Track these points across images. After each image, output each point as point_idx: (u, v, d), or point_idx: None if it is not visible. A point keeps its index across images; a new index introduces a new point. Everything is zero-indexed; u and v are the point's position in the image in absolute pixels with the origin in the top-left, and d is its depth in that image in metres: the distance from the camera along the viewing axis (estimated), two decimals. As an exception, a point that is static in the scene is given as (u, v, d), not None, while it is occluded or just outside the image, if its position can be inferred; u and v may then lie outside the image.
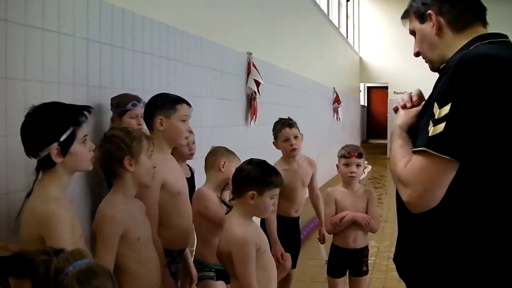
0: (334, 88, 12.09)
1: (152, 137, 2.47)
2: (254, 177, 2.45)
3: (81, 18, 3.01)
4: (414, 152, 1.58)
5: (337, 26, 13.46)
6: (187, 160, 3.60)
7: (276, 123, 3.94)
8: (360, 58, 17.98)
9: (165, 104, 2.72)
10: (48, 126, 1.92)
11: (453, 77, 1.54)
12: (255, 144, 6.04)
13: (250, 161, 2.58)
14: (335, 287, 3.65)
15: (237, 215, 2.48)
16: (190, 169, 3.66)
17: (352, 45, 16.44)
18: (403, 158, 1.63)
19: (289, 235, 3.89)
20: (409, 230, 1.77)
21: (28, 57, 2.61)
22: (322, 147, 9.92)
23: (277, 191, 2.51)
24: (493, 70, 1.53)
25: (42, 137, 1.91)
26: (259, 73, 6.09)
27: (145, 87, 3.73)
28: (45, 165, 1.94)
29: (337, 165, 3.69)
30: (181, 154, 3.52)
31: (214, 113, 5.14)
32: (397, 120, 1.82)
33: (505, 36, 1.73)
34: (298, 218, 4.01)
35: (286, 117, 3.96)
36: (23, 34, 2.57)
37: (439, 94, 1.57)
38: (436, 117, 1.53)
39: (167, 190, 2.65)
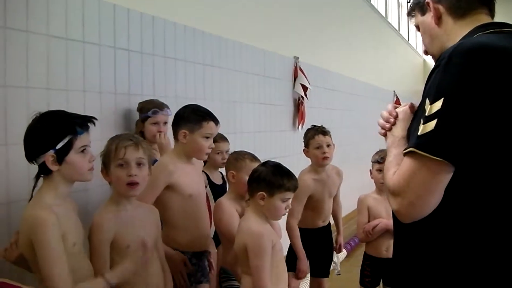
0: (394, 91, 11.78)
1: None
2: (264, 179, 2.44)
3: (108, 28, 3.06)
4: (404, 155, 1.42)
5: (397, 28, 13.13)
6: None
7: (308, 130, 3.80)
8: (424, 60, 17.45)
9: (191, 118, 2.71)
10: (45, 133, 1.94)
11: (446, 69, 1.37)
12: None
13: (265, 163, 2.58)
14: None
15: (252, 214, 2.48)
16: (222, 176, 3.65)
17: (415, 47, 15.99)
18: (396, 166, 1.46)
19: (320, 244, 3.80)
20: (405, 248, 1.58)
21: (50, 67, 2.67)
22: (381, 151, 9.66)
23: (289, 194, 2.46)
24: (491, 61, 1.35)
25: (40, 144, 1.94)
26: (306, 78, 6.01)
27: (178, 93, 3.75)
28: (43, 172, 1.97)
29: (370, 170, 3.57)
30: (213, 162, 3.52)
31: (257, 118, 5.12)
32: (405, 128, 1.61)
33: (511, 26, 1.54)
34: (328, 224, 3.88)
35: (319, 125, 3.80)
36: (45, 43, 2.64)
37: (431, 88, 1.39)
38: (426, 114, 1.36)
39: (178, 192, 2.66)
